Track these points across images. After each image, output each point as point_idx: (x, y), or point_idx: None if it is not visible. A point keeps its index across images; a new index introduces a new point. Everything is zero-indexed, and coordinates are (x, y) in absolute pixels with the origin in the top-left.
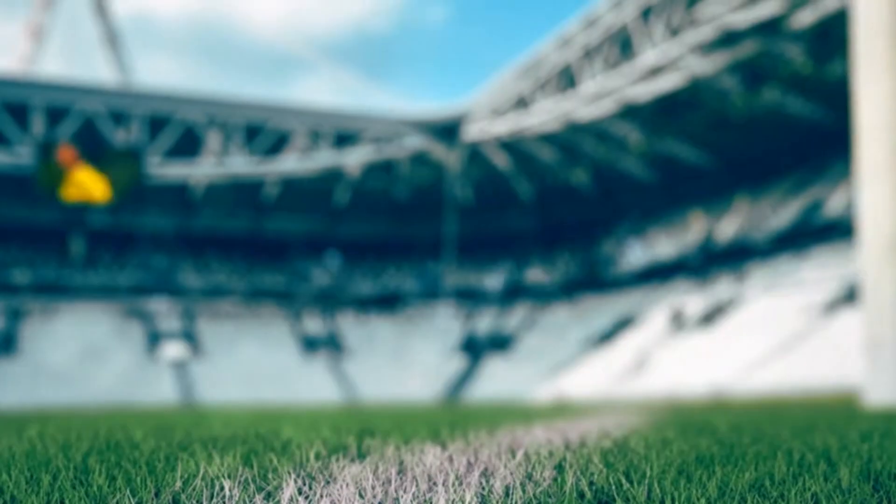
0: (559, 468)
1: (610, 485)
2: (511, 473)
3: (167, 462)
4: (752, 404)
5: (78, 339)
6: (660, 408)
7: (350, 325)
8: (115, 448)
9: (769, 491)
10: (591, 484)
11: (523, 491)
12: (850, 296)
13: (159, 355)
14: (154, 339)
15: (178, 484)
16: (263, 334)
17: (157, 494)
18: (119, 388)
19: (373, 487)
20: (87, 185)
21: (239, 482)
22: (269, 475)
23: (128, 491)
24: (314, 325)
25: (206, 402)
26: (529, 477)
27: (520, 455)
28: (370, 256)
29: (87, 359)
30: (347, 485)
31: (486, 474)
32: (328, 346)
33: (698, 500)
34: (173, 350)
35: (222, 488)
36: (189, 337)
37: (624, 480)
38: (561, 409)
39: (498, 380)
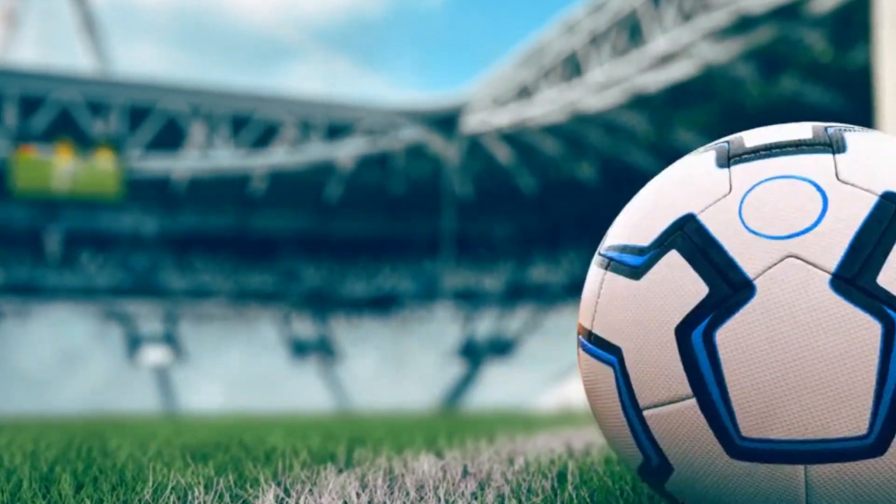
0: (560, 477)
1: (614, 495)
2: (508, 482)
3: (139, 471)
4: None
5: (53, 343)
6: None
7: (342, 329)
8: (86, 457)
9: None
10: (592, 493)
11: (518, 501)
12: None
13: (140, 360)
14: (134, 343)
15: (148, 493)
16: (250, 338)
17: None
18: (97, 394)
19: (357, 496)
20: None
21: (215, 491)
22: (248, 484)
23: (92, 501)
24: (304, 328)
25: (189, 409)
26: (528, 488)
27: (519, 463)
28: (364, 255)
29: (64, 364)
30: (331, 493)
31: (481, 484)
32: (319, 350)
33: None
34: (155, 355)
35: (196, 497)
36: (171, 341)
37: (630, 491)
38: (566, 418)
39: (499, 386)
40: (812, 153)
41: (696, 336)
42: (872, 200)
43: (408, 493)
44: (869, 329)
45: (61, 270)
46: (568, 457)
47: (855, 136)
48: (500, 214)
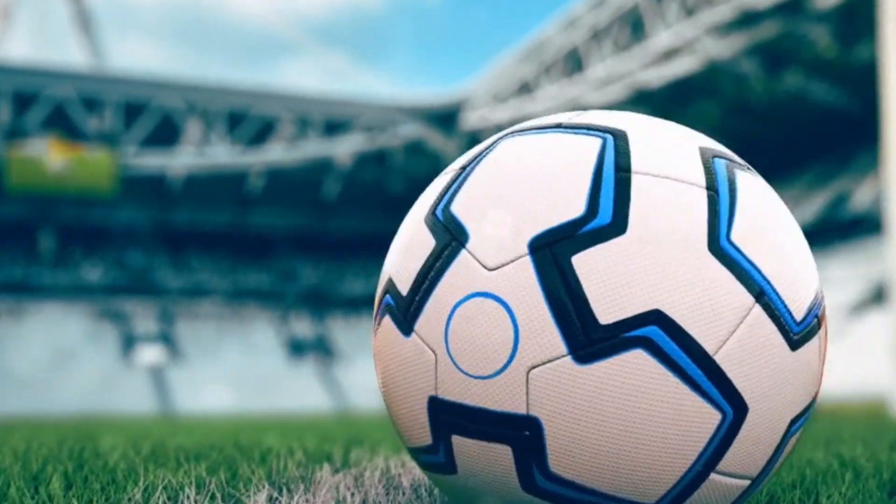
0: None
1: None
2: None
3: (131, 471)
4: None
5: (47, 343)
6: None
7: (340, 328)
8: (77, 457)
9: (785, 499)
10: None
11: None
12: (878, 296)
13: (135, 360)
14: (129, 342)
15: (139, 493)
16: (247, 337)
17: None
18: (91, 395)
19: (352, 495)
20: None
21: (207, 491)
22: (241, 484)
23: (81, 501)
24: (302, 327)
25: (185, 409)
26: None
27: None
28: (362, 254)
29: (58, 364)
30: (325, 493)
31: None
32: (317, 350)
33: None
34: (150, 354)
35: (187, 497)
36: (167, 340)
37: None
38: None
39: None
40: (451, 260)
41: (540, 483)
42: (528, 261)
43: (403, 493)
44: (639, 359)
45: (55, 269)
46: None
47: (461, 206)
48: None
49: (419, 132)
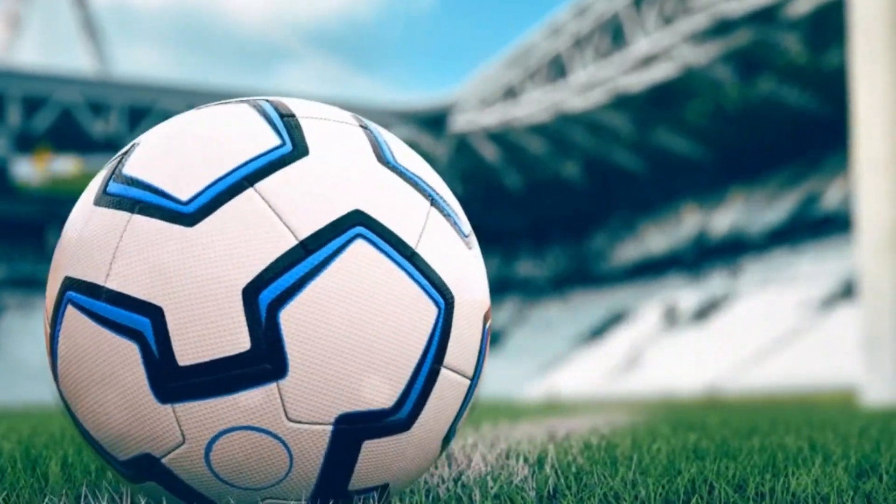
0: (539, 462)
1: (592, 477)
2: (486, 463)
3: None
4: (748, 402)
5: None
6: (653, 405)
7: None
8: (78, 442)
9: (755, 480)
10: (578, 476)
11: (497, 482)
12: (847, 291)
13: None
14: None
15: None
16: None
17: (101, 483)
18: None
19: None
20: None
21: None
22: None
23: (76, 482)
24: None
25: None
26: (508, 470)
27: (500, 448)
28: None
29: None
30: None
31: (461, 470)
32: None
33: (681, 491)
34: None
35: None
36: None
37: (607, 475)
38: (551, 407)
39: (487, 377)
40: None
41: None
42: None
43: None
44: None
45: None
46: (549, 442)
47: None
48: (487, 211)
49: (409, 135)
